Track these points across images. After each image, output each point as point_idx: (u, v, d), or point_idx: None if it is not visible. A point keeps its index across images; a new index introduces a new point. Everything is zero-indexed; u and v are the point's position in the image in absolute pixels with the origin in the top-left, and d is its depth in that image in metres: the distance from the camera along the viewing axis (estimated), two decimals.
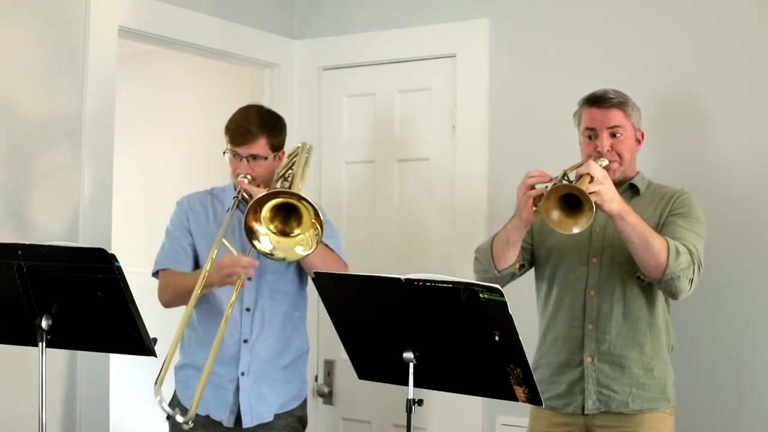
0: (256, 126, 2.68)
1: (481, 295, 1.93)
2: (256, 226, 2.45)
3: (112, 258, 2.03)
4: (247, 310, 2.70)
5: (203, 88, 4.58)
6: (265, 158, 2.69)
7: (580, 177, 2.30)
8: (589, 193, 2.22)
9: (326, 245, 2.67)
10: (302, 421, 2.80)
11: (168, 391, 2.72)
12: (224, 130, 2.73)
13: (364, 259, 3.54)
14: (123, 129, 3.31)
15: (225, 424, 2.67)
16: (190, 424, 2.43)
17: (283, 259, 2.52)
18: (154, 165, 4.74)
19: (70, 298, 2.12)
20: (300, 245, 2.46)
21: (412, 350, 2.06)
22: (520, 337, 1.95)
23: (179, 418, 2.42)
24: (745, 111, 2.90)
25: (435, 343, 2.07)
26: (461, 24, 3.41)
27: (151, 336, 2.15)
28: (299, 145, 2.89)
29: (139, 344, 2.13)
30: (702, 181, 2.87)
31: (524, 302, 2.60)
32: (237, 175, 2.67)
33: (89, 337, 2.21)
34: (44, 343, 2.12)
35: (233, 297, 2.54)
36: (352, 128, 3.71)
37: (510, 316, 1.93)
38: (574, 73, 3.15)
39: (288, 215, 2.47)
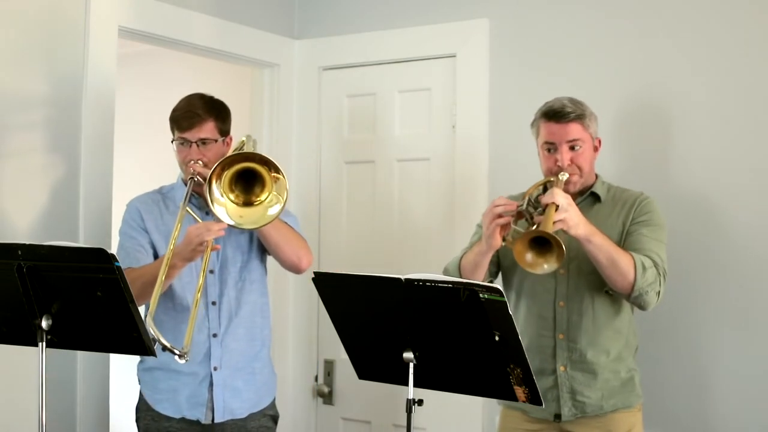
0: (203, 110, 2.69)
1: (481, 295, 1.93)
2: (216, 199, 2.42)
3: (112, 258, 2.03)
4: (213, 303, 2.69)
5: (203, 88, 4.55)
6: (215, 141, 2.69)
7: (545, 206, 2.36)
8: (555, 222, 2.29)
9: (285, 222, 2.69)
10: (275, 419, 2.82)
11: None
12: (169, 120, 2.72)
13: (364, 259, 3.54)
14: (123, 129, 3.31)
15: (202, 421, 2.66)
16: (187, 358, 2.35)
17: (255, 228, 2.50)
18: (155, 165, 4.72)
19: (70, 298, 2.12)
20: (269, 207, 2.45)
21: (412, 350, 2.06)
22: (520, 337, 1.96)
23: (176, 351, 2.32)
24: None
25: (435, 343, 2.07)
26: (461, 24, 3.41)
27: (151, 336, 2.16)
28: (244, 138, 2.85)
29: (139, 344, 2.12)
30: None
31: None
32: (187, 163, 2.65)
33: (89, 337, 2.20)
34: (44, 343, 2.11)
35: (204, 264, 2.50)
36: (352, 128, 3.71)
37: (510, 316, 1.94)
38: (574, 73, 3.15)
39: (248, 184, 2.46)
